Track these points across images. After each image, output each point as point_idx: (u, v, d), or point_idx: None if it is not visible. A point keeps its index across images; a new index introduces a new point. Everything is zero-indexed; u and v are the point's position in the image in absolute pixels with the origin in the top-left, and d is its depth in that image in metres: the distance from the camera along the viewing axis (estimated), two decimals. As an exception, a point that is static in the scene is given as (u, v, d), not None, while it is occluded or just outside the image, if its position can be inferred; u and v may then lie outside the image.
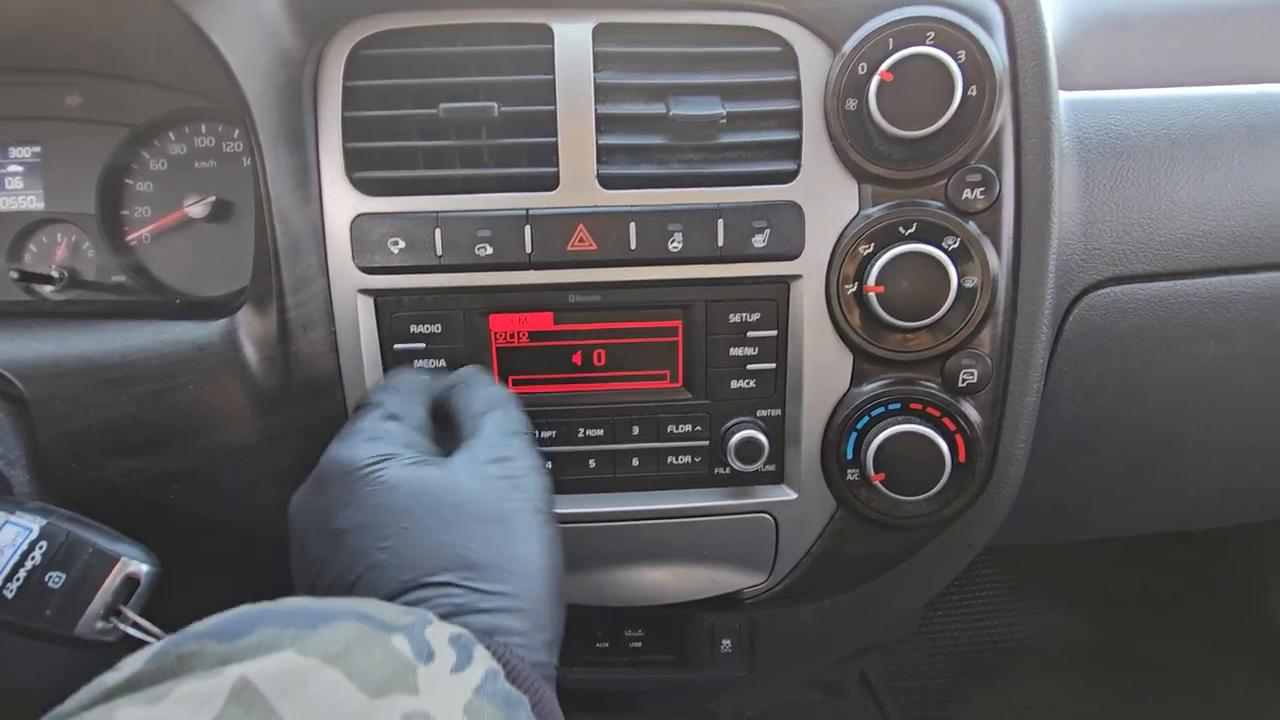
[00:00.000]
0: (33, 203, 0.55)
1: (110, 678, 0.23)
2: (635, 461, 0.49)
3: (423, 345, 0.46)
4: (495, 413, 0.38)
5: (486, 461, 0.35)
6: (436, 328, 0.46)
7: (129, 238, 0.55)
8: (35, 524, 0.36)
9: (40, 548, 0.35)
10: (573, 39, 0.44)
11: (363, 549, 0.31)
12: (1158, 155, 0.51)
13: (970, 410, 0.46)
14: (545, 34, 0.44)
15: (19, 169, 0.55)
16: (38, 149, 0.55)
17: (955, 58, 0.42)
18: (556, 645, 0.33)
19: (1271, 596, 0.93)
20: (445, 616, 0.29)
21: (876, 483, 0.46)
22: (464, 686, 0.25)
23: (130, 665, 0.23)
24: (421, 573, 0.30)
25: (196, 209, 0.53)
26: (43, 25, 0.46)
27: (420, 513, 0.32)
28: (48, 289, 0.53)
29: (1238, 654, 0.95)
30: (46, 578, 0.34)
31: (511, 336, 0.47)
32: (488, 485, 0.34)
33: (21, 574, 0.34)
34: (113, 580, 0.35)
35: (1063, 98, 0.50)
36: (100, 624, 0.35)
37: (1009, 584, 1.04)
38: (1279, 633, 0.92)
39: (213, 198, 0.53)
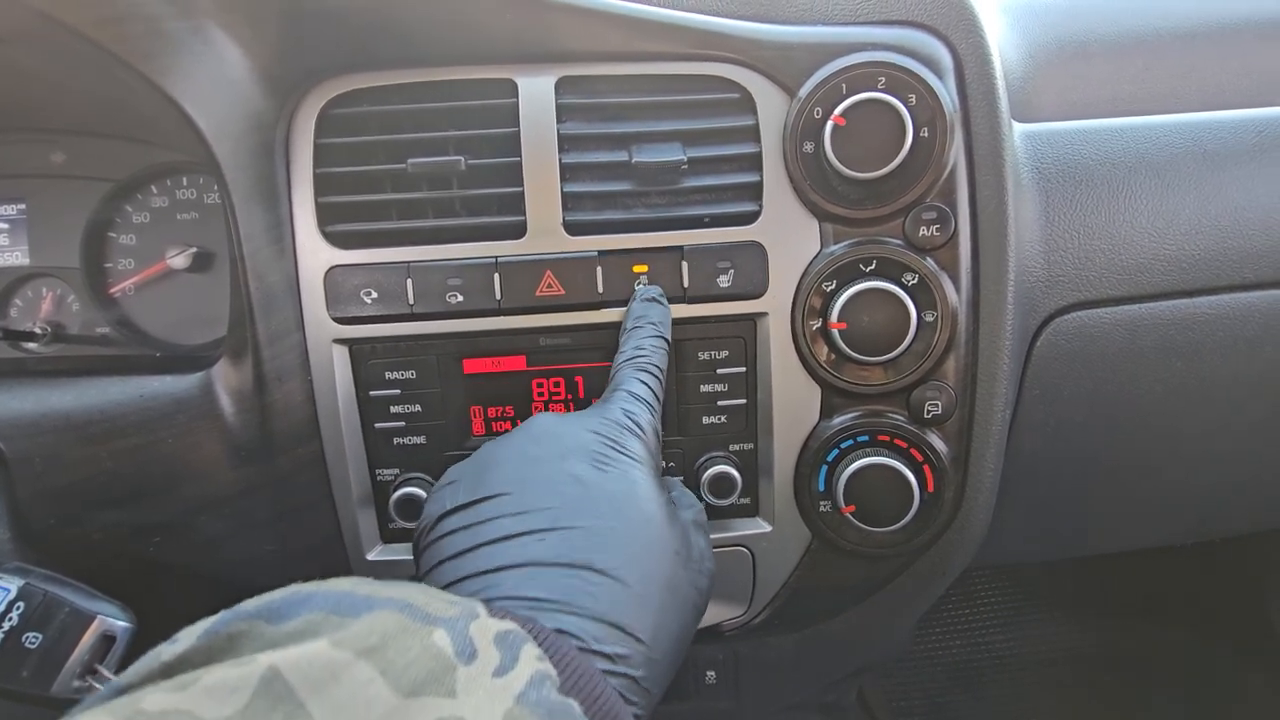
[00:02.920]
0: (18, 258, 0.56)
1: (166, 651, 0.23)
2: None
3: (398, 391, 0.47)
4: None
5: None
6: (411, 374, 0.47)
7: (113, 290, 0.57)
8: (13, 585, 0.36)
9: (18, 608, 0.36)
10: (536, 92, 0.45)
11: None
12: (1116, 183, 0.52)
13: (937, 441, 0.47)
14: (509, 88, 0.45)
15: (4, 226, 0.56)
16: (22, 206, 0.56)
17: (905, 101, 0.43)
18: (660, 667, 0.31)
19: (1270, 604, 0.93)
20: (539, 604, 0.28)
21: (848, 514, 0.47)
22: (506, 692, 0.23)
23: (185, 639, 0.23)
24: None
25: (178, 260, 0.54)
26: (23, 91, 0.48)
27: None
28: (32, 345, 0.54)
29: (1238, 662, 0.94)
30: (24, 639, 0.35)
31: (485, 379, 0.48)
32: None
33: (-1, 636, 0.35)
34: (89, 639, 0.36)
35: (1021, 129, 0.52)
36: (77, 683, 0.35)
37: (1008, 598, 1.04)
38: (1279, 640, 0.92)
39: (194, 249, 0.54)
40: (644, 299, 0.45)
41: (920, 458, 0.47)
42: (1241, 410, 0.58)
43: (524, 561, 0.31)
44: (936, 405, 0.47)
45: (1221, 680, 0.95)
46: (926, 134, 0.44)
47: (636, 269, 0.45)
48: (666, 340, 0.43)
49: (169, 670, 0.22)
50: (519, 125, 0.45)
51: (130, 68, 0.39)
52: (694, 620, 0.35)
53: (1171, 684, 0.97)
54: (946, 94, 0.44)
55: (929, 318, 0.45)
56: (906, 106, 0.43)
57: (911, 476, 0.46)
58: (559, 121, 0.45)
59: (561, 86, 0.45)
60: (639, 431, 0.37)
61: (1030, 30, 0.61)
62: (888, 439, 0.47)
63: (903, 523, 0.47)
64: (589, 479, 0.33)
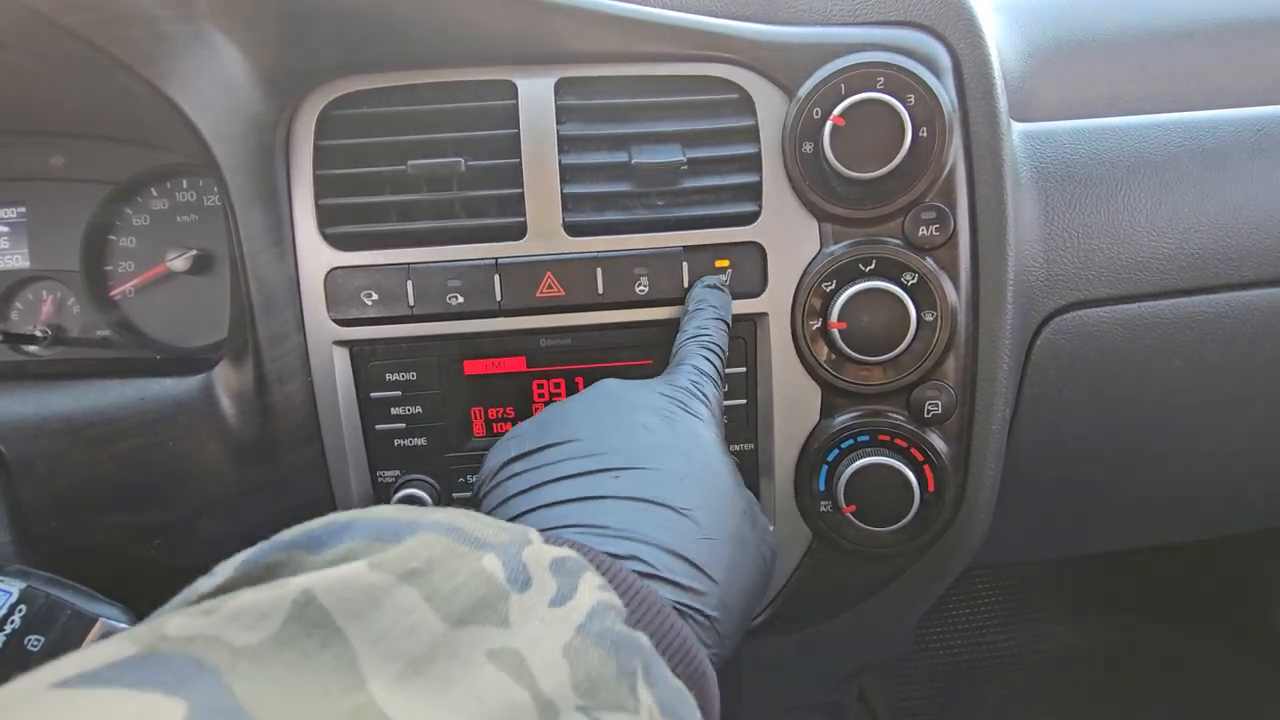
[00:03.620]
0: (18, 261, 0.56)
1: (203, 583, 0.21)
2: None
3: (399, 393, 0.47)
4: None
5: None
6: (412, 375, 0.47)
7: (113, 293, 0.57)
8: (15, 587, 0.36)
9: (20, 611, 0.36)
10: (536, 93, 0.45)
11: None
12: (1114, 182, 0.52)
13: (937, 440, 0.47)
14: (509, 90, 0.45)
15: (4, 229, 0.56)
16: (23, 209, 0.56)
17: (904, 102, 0.43)
18: (733, 618, 0.28)
19: (1271, 602, 0.93)
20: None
21: (848, 514, 0.47)
22: (565, 623, 0.21)
23: (222, 571, 0.21)
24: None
25: (178, 263, 0.54)
26: (22, 94, 0.48)
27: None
28: (32, 348, 0.54)
29: (1240, 661, 0.95)
30: (26, 641, 0.35)
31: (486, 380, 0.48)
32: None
33: (1, 639, 0.34)
34: (90, 641, 0.36)
35: (1020, 129, 0.52)
36: (79, 685, 0.35)
37: (1009, 597, 1.04)
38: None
39: (194, 251, 0.55)
40: (705, 285, 0.45)
41: (921, 457, 0.47)
42: (1242, 408, 0.58)
43: (596, 494, 0.29)
44: (937, 405, 0.47)
45: (1223, 679, 0.95)
46: (925, 134, 0.44)
47: (719, 264, 0.45)
48: (727, 324, 0.43)
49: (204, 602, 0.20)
50: (519, 127, 0.45)
51: (130, 70, 0.39)
52: (762, 584, 0.33)
53: (1172, 683, 0.97)
54: (945, 94, 0.44)
55: (929, 317, 0.45)
56: (905, 106, 0.43)
57: (912, 476, 0.46)
58: (559, 123, 0.45)
59: (561, 88, 0.45)
60: (705, 400, 0.37)
61: (1029, 29, 0.61)
62: (888, 439, 0.47)
63: (903, 522, 0.47)
64: (660, 429, 0.33)
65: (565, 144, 0.45)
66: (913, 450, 0.47)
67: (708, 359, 0.40)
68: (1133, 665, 0.99)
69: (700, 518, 0.29)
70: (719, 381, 0.39)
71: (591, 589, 0.23)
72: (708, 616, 0.27)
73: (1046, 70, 0.60)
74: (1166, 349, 0.54)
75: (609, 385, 0.37)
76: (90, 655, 0.17)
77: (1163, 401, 0.56)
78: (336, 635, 0.18)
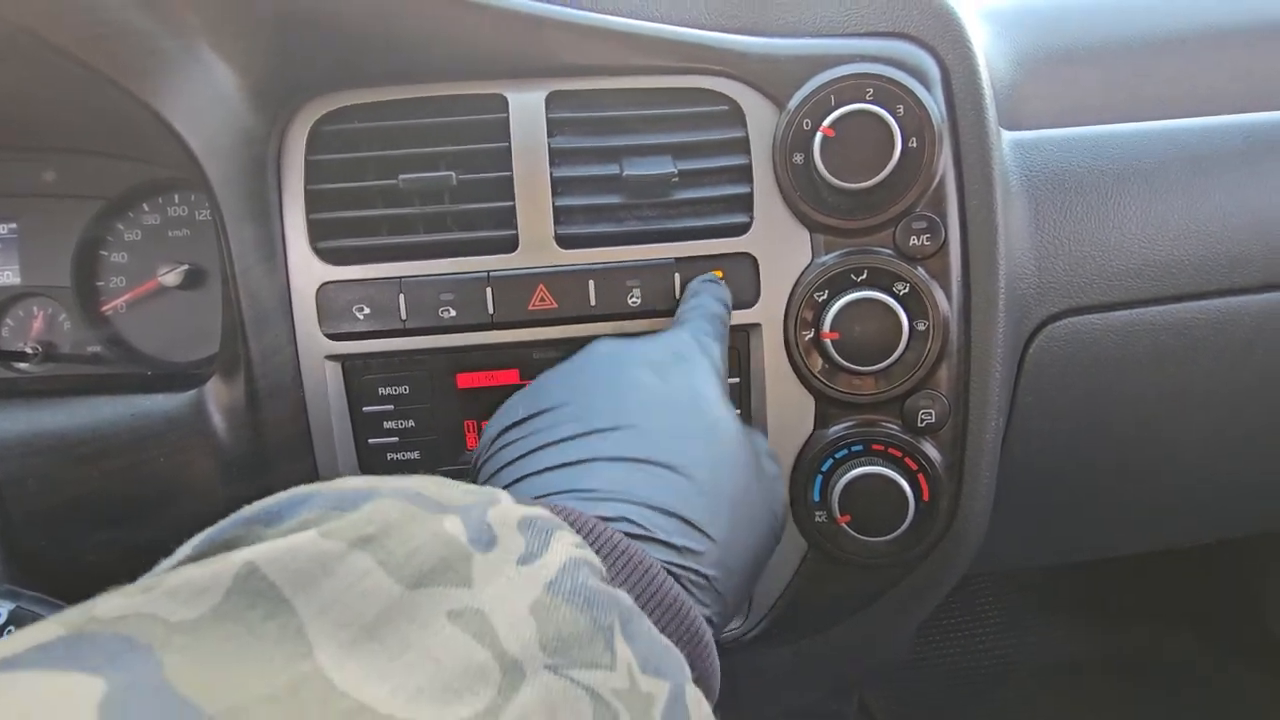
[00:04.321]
0: (9, 278, 0.56)
1: (164, 564, 0.20)
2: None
3: (391, 406, 0.47)
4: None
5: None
6: (404, 389, 0.47)
7: (104, 308, 0.56)
8: (4, 608, 0.36)
9: (8, 632, 0.35)
10: (527, 107, 0.45)
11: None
12: (1104, 189, 0.52)
13: (931, 449, 0.47)
14: (500, 103, 0.45)
15: (-4, 245, 0.56)
16: (14, 225, 0.56)
17: (894, 113, 0.43)
18: (735, 578, 0.27)
19: (1268, 607, 0.93)
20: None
21: (843, 524, 0.47)
22: (533, 581, 0.20)
23: (183, 551, 0.20)
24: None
25: (170, 278, 0.54)
26: (13, 110, 0.48)
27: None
28: (23, 365, 0.54)
29: (1238, 666, 0.94)
30: (14, 663, 0.35)
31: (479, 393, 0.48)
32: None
33: (-11, 660, 0.34)
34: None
35: (1009, 137, 0.52)
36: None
37: (1007, 604, 1.04)
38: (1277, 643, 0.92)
39: (186, 266, 0.54)
40: (702, 280, 0.44)
41: (915, 466, 0.47)
42: (1236, 414, 0.58)
43: (584, 458, 0.28)
44: (930, 414, 0.47)
45: (1221, 684, 0.94)
46: (915, 144, 0.44)
47: (717, 273, 0.46)
48: (727, 305, 0.42)
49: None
50: (510, 140, 0.45)
51: (120, 87, 0.39)
52: (769, 543, 0.32)
53: (1171, 688, 0.96)
54: (934, 104, 0.44)
55: (921, 326, 0.45)
56: (894, 117, 0.43)
57: (906, 485, 0.46)
58: (550, 136, 0.45)
59: (552, 101, 0.46)
60: (705, 351, 0.35)
61: (1018, 38, 0.61)
62: (882, 448, 0.47)
63: (899, 532, 0.47)
64: (654, 386, 0.31)
65: (556, 156, 0.45)
66: (907, 460, 0.47)
67: (708, 321, 0.38)
68: (1131, 671, 0.98)
69: (697, 474, 0.28)
70: (723, 340, 0.38)
71: (565, 546, 0.22)
72: (704, 575, 0.26)
73: (1036, 78, 0.60)
74: (1160, 355, 0.54)
75: (601, 345, 0.36)
76: (13, 640, 0.16)
77: (1157, 407, 0.56)
78: (283, 606, 0.17)
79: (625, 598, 0.22)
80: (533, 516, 0.22)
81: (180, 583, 0.17)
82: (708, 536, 0.27)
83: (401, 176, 0.44)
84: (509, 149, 0.45)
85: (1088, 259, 0.52)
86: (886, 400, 0.47)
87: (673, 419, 0.30)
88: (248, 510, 0.21)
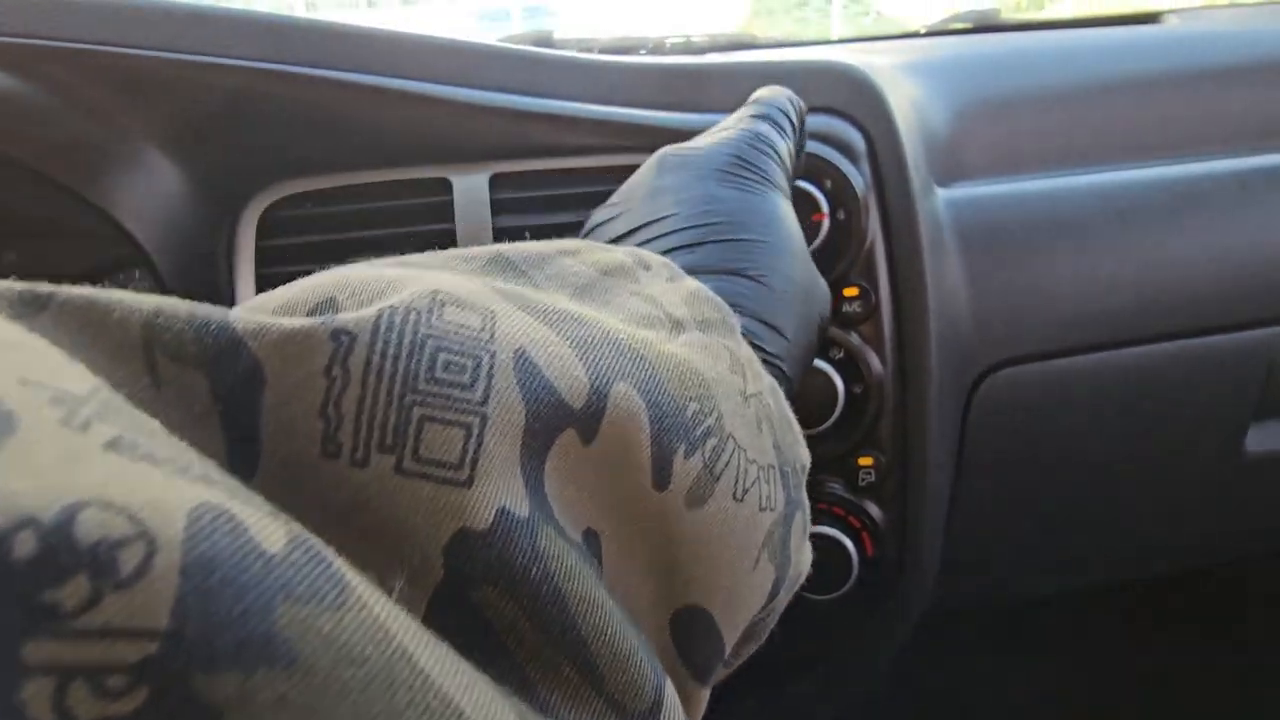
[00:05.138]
0: (-25, 358, 0.57)
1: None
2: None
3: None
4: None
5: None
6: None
7: (69, 385, 0.58)
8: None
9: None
10: (471, 189, 0.47)
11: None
12: (1036, 245, 0.54)
13: (873, 508, 0.48)
14: (445, 186, 0.47)
15: (-38, 327, 0.57)
16: (-20, 307, 0.58)
17: (821, 186, 0.45)
18: (798, 364, 0.32)
19: (1246, 636, 0.94)
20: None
21: (791, 583, 0.48)
22: (682, 286, 0.27)
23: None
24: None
25: (133, 354, 0.56)
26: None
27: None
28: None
29: (1222, 688, 0.95)
30: None
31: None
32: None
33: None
34: None
35: (944, 195, 0.54)
36: None
37: (989, 634, 1.04)
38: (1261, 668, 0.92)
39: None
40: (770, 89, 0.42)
41: (858, 524, 0.48)
42: (1178, 454, 0.59)
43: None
44: (870, 473, 0.48)
45: (1208, 708, 0.95)
46: (843, 215, 0.46)
47: None
48: (796, 108, 0.40)
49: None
50: (454, 221, 0.47)
51: (71, 192, 0.41)
52: (817, 341, 0.35)
53: (1159, 713, 0.97)
54: (860, 176, 0.46)
55: (857, 389, 0.47)
56: (822, 191, 0.45)
57: (850, 544, 0.47)
58: (494, 215, 0.47)
59: (495, 182, 0.47)
60: (777, 158, 0.36)
61: (959, 86, 0.63)
62: (825, 507, 0.48)
63: (844, 589, 0.48)
64: (730, 197, 0.33)
65: (501, 235, 0.47)
66: (850, 518, 0.48)
67: (775, 121, 0.38)
68: (1119, 694, 0.99)
69: (774, 282, 0.32)
70: (791, 142, 0.38)
71: (692, 280, 0.28)
72: (779, 362, 0.31)
73: (975, 129, 0.63)
74: (1100, 400, 0.56)
75: (666, 156, 0.36)
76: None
77: (1102, 451, 0.58)
78: (523, 277, 0.25)
79: (736, 320, 0.28)
80: (665, 261, 0.29)
81: (452, 255, 0.26)
82: (781, 335, 0.31)
83: (349, 261, 0.46)
84: (454, 230, 0.47)
85: (1023, 310, 0.54)
86: (828, 461, 0.48)
87: (754, 232, 0.33)
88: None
